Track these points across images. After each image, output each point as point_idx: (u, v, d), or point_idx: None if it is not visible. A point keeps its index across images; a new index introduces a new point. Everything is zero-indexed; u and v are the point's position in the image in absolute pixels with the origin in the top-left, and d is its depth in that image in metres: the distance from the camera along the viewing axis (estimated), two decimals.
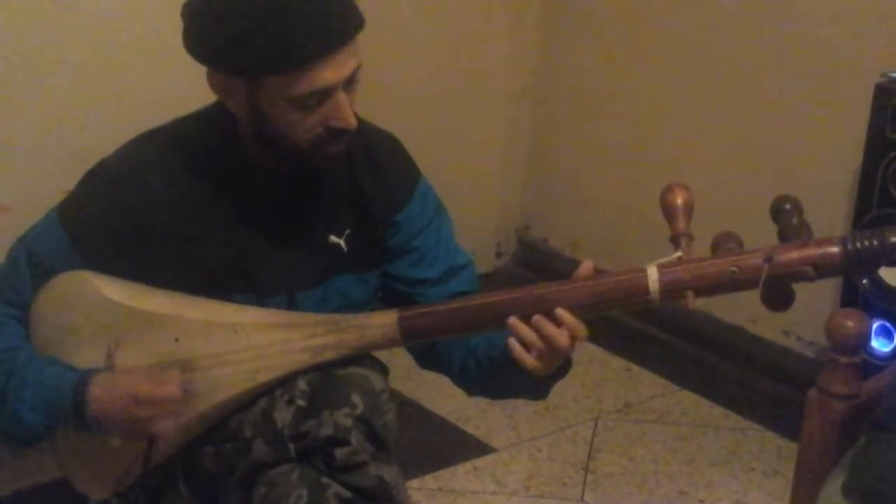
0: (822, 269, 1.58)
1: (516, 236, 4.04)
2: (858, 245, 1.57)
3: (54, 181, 2.52)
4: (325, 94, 1.68)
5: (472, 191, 3.76)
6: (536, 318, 1.64)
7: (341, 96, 1.69)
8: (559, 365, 1.71)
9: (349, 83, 1.70)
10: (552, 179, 3.89)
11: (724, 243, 1.65)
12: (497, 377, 1.84)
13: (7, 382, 1.75)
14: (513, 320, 1.65)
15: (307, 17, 1.63)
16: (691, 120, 3.41)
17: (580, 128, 3.77)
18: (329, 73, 1.66)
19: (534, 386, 1.81)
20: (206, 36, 1.69)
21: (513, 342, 1.66)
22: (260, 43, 1.63)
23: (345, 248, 1.85)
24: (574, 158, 3.81)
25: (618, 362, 3.46)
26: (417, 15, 3.54)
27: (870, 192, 2.73)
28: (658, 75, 3.47)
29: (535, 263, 3.97)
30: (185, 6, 1.72)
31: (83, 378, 1.73)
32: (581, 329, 1.65)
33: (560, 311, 1.64)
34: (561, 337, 1.64)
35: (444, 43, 3.63)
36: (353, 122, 1.71)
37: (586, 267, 1.68)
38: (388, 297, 1.92)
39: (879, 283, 2.73)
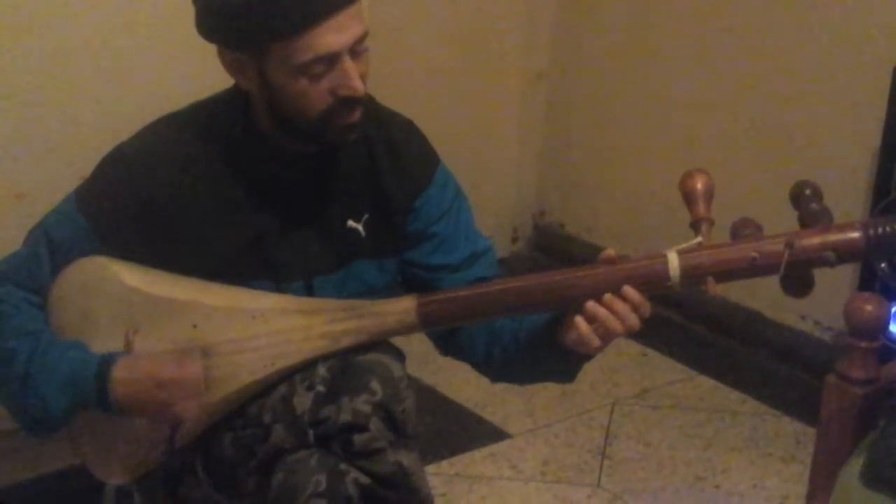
0: (843, 254, 1.58)
1: (532, 221, 4.03)
2: (879, 230, 1.57)
3: (70, 167, 2.53)
4: (331, 60, 1.67)
5: (488, 176, 3.75)
6: (608, 297, 1.65)
7: (347, 62, 1.68)
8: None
9: (356, 51, 1.70)
10: (568, 164, 3.89)
11: (742, 229, 1.65)
12: (524, 362, 1.84)
13: (29, 366, 1.75)
14: (591, 303, 1.65)
15: None
16: (708, 105, 3.40)
17: (596, 112, 3.76)
18: (330, 37, 1.66)
19: (562, 369, 1.81)
20: (210, 15, 1.70)
21: (580, 320, 1.66)
22: (259, 12, 1.63)
23: (363, 233, 1.85)
24: (590, 143, 3.80)
25: (634, 347, 3.45)
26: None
27: (888, 176, 2.73)
28: (675, 59, 3.46)
29: (552, 248, 3.96)
30: None
31: (106, 361, 1.74)
32: (647, 306, 1.65)
33: (627, 289, 1.64)
34: (631, 314, 1.65)
35: (459, 28, 3.62)
36: (361, 89, 1.70)
37: (607, 254, 1.68)
38: (408, 283, 1.92)
39: None
